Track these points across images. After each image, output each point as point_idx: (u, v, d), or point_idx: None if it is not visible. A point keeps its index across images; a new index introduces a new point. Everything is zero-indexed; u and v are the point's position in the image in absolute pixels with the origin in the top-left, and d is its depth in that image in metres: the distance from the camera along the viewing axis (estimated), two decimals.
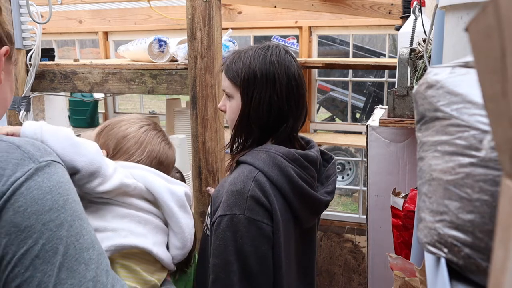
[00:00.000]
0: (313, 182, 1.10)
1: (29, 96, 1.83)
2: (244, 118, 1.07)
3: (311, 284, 1.21)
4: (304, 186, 1.05)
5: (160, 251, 0.91)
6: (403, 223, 1.25)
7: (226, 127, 1.34)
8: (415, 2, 1.37)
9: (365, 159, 1.70)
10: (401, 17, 2.11)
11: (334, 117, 6.71)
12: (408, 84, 1.32)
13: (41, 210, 0.59)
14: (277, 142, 1.09)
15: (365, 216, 1.79)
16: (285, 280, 1.04)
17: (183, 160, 1.85)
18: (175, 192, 0.95)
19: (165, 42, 1.73)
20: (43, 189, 0.60)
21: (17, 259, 0.57)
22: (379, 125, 1.36)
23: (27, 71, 1.79)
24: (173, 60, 1.72)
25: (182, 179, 1.22)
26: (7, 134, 0.75)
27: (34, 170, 0.60)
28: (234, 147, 1.13)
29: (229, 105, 1.10)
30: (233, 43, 1.79)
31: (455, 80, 0.44)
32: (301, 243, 1.16)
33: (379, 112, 1.74)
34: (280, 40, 6.26)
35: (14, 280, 0.56)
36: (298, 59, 2.97)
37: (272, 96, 1.04)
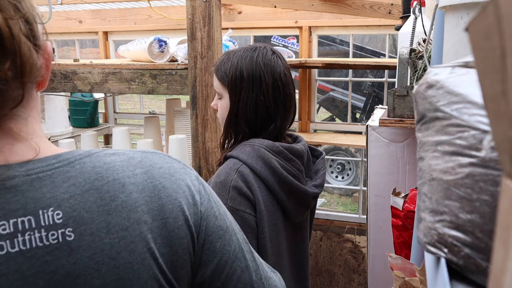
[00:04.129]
0: (300, 174, 1.12)
1: None
2: (232, 117, 1.12)
3: (304, 279, 1.23)
4: (288, 178, 1.08)
5: None
6: (403, 223, 1.25)
7: None
8: (415, 2, 1.37)
9: (365, 159, 1.70)
10: (401, 17, 2.11)
11: (334, 117, 6.71)
12: (408, 84, 1.32)
13: (224, 209, 0.66)
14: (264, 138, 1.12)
15: (365, 216, 1.79)
16: None
17: (183, 160, 1.85)
18: None
19: (165, 42, 1.73)
20: (212, 192, 0.66)
21: (233, 256, 0.64)
22: (379, 125, 1.36)
23: None
24: (173, 60, 1.72)
25: None
26: None
27: (196, 176, 0.65)
28: (226, 145, 1.17)
29: (220, 104, 1.16)
30: (233, 43, 1.79)
31: (455, 80, 0.44)
32: (293, 239, 1.18)
33: (379, 112, 1.74)
34: (280, 40, 6.26)
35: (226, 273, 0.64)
36: (298, 59, 2.95)
37: (259, 96, 1.08)
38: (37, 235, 0.48)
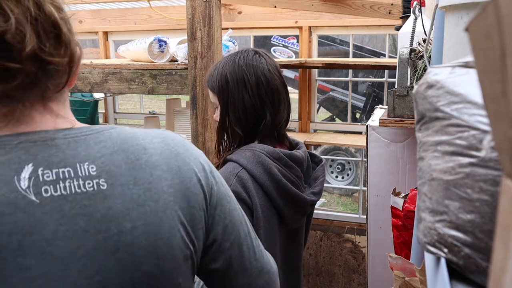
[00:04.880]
0: (299, 181, 1.13)
1: None
2: (224, 121, 1.14)
3: (297, 282, 1.24)
4: (287, 185, 1.08)
5: None
6: (403, 223, 1.25)
7: None
8: (415, 2, 1.37)
9: (365, 159, 1.70)
10: (401, 17, 2.11)
11: (334, 117, 6.71)
12: (408, 84, 1.32)
13: (224, 182, 0.76)
14: (263, 141, 1.13)
15: (365, 216, 1.79)
16: None
17: None
18: None
19: (165, 42, 1.73)
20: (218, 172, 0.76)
21: (238, 221, 0.74)
22: (379, 125, 1.36)
23: None
24: (173, 60, 1.72)
25: None
26: None
27: (203, 153, 0.75)
28: (221, 150, 1.19)
29: (218, 114, 1.17)
30: (233, 43, 1.79)
31: (455, 80, 0.44)
32: (287, 244, 1.18)
33: (379, 112, 1.74)
34: (280, 40, 6.26)
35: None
36: (298, 59, 2.95)
37: (244, 95, 1.10)
38: (75, 183, 0.57)
